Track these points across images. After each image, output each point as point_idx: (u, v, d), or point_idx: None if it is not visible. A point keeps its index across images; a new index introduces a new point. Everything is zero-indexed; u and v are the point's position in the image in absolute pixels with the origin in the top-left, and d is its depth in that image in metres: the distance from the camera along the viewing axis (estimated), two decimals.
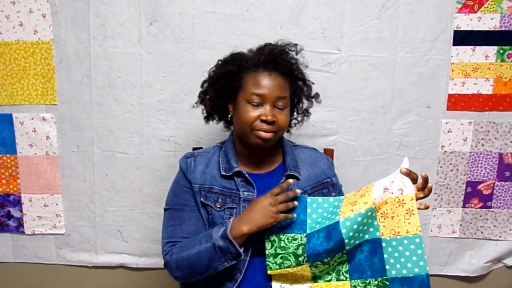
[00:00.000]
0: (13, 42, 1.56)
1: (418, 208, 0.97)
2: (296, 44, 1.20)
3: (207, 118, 1.25)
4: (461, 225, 1.68)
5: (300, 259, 1.03)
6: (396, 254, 0.98)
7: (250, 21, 1.51)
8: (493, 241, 1.69)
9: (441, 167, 1.63)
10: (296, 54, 1.20)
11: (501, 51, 1.55)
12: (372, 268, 1.01)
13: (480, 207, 1.67)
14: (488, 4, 1.51)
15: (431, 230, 1.68)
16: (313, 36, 1.53)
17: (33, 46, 1.56)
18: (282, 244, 1.05)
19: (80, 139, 1.62)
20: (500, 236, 1.69)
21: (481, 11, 1.51)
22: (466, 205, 1.66)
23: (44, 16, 1.54)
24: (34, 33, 1.55)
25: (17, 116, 1.61)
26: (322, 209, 1.06)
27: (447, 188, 1.64)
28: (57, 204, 1.68)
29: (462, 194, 1.65)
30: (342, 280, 1.04)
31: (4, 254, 1.75)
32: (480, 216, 1.67)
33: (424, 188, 1.00)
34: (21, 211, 1.69)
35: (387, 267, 0.99)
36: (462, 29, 1.53)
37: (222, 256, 1.04)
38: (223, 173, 1.15)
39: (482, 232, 1.69)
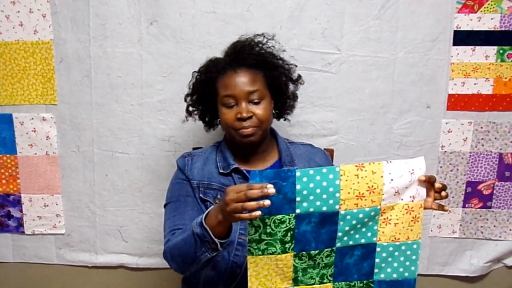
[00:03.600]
0: (13, 42, 1.56)
1: (437, 209, 0.98)
2: (263, 34, 1.21)
3: (208, 127, 1.29)
4: (461, 225, 1.68)
5: (286, 246, 0.94)
6: (390, 259, 0.99)
7: (250, 21, 1.51)
8: (493, 241, 1.69)
9: (441, 167, 1.63)
10: (267, 42, 1.20)
11: (501, 51, 1.55)
12: (360, 272, 1.00)
13: (480, 207, 1.67)
14: (488, 4, 1.51)
15: (431, 230, 1.68)
16: (313, 36, 1.52)
17: (33, 46, 1.56)
18: (268, 230, 0.92)
19: (80, 139, 1.62)
20: (500, 236, 1.69)
21: (481, 11, 1.51)
22: (466, 205, 1.66)
23: (44, 16, 1.54)
24: (34, 33, 1.55)
25: (17, 116, 1.61)
26: (315, 183, 0.90)
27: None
28: (57, 204, 1.68)
29: (462, 194, 1.65)
30: (325, 283, 1.01)
31: (4, 254, 1.75)
32: (480, 216, 1.67)
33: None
34: (21, 211, 1.69)
35: (375, 270, 1.00)
36: (462, 29, 1.52)
37: (202, 245, 0.95)
38: (221, 170, 1.17)
39: (482, 232, 1.69)
